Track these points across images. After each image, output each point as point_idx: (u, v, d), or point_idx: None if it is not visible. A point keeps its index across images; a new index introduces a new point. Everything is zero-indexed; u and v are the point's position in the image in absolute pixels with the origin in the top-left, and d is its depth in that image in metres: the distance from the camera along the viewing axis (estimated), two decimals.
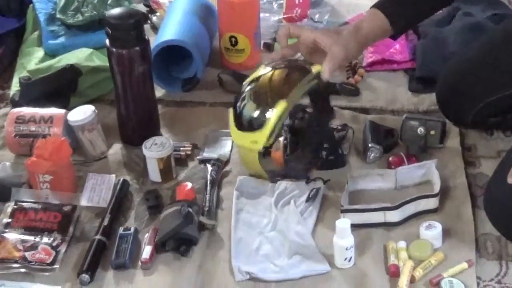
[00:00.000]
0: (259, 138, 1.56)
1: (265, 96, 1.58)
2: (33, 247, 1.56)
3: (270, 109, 1.56)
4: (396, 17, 1.66)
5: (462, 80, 1.80)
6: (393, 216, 1.57)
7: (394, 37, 1.71)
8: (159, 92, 1.99)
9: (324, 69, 1.58)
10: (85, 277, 1.49)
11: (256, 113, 1.57)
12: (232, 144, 1.81)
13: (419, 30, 2.14)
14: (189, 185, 1.68)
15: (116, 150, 1.85)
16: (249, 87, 1.62)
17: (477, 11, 2.17)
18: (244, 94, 1.61)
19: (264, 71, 1.62)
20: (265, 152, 1.74)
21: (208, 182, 1.70)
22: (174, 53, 2.02)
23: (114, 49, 1.76)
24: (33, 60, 2.13)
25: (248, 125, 1.58)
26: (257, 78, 1.62)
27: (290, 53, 1.64)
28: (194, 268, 1.52)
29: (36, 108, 1.84)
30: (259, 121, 1.57)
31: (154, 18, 2.35)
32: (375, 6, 1.67)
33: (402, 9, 1.67)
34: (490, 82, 1.76)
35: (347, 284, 1.47)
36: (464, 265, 1.48)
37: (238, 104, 1.60)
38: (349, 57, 1.64)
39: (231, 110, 1.61)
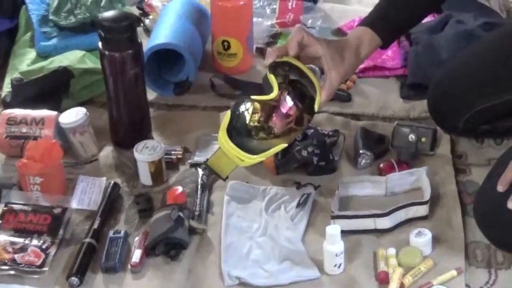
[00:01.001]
0: (247, 160, 1.51)
1: (269, 130, 1.52)
2: (23, 249, 1.55)
3: (268, 145, 1.52)
4: (388, 35, 1.68)
5: (453, 87, 1.81)
6: (383, 222, 1.58)
7: (383, 48, 1.72)
8: (151, 95, 1.99)
9: (322, 99, 1.57)
10: (75, 280, 1.49)
11: (253, 141, 1.51)
12: None
13: (411, 37, 2.15)
14: (180, 189, 1.68)
15: (107, 152, 1.85)
16: (262, 102, 1.52)
17: (469, 19, 2.18)
18: (249, 108, 1.52)
19: (283, 95, 1.53)
20: None
21: (199, 186, 1.70)
22: (166, 56, 2.02)
23: (106, 52, 1.76)
24: (25, 61, 2.13)
25: (240, 142, 1.51)
26: (275, 100, 1.52)
27: (283, 52, 1.62)
28: (183, 272, 1.52)
29: (28, 109, 1.84)
30: (253, 148, 1.51)
31: (147, 21, 2.35)
32: (368, 24, 1.66)
33: (393, 24, 1.68)
34: (481, 89, 1.76)
35: None
36: (454, 272, 1.48)
37: (244, 109, 1.52)
38: (343, 81, 1.67)
39: (228, 113, 1.53)
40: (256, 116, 1.51)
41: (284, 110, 1.52)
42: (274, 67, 1.56)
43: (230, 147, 1.51)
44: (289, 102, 1.52)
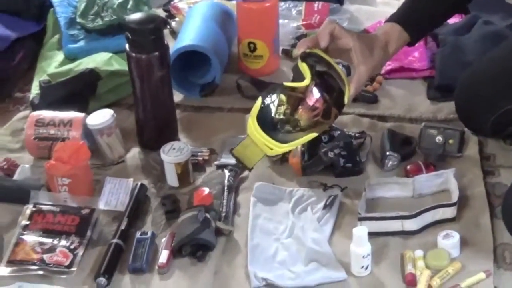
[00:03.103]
0: (276, 148, 1.50)
1: (295, 123, 1.50)
2: (51, 249, 1.56)
3: (299, 134, 1.50)
4: (416, 31, 1.68)
5: (480, 88, 1.80)
6: (411, 224, 1.57)
7: (410, 45, 1.72)
8: (177, 97, 2.00)
9: (350, 92, 1.56)
10: (102, 280, 1.50)
11: (284, 131, 1.50)
12: None
13: (439, 38, 2.14)
14: (206, 190, 1.68)
15: (134, 154, 1.86)
16: (288, 94, 1.51)
17: (497, 19, 2.17)
18: (275, 100, 1.50)
19: (310, 86, 1.51)
20: (282, 159, 1.74)
21: (226, 188, 1.70)
22: (192, 58, 2.03)
23: (133, 54, 1.77)
24: (53, 64, 2.15)
25: (270, 131, 1.49)
26: (301, 92, 1.51)
27: (314, 43, 1.60)
28: (210, 273, 1.52)
29: (56, 111, 1.86)
30: (283, 137, 1.50)
31: (173, 23, 2.36)
32: (396, 20, 1.67)
33: (421, 20, 1.69)
34: (508, 90, 1.75)
35: None
36: (482, 275, 1.47)
37: (270, 101, 1.50)
38: (371, 76, 1.66)
39: (259, 100, 1.51)
40: (282, 109, 1.50)
41: (310, 102, 1.50)
42: (304, 58, 1.55)
43: (259, 134, 1.49)
44: (316, 94, 1.50)
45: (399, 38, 1.65)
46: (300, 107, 1.50)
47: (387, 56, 1.65)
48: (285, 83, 1.52)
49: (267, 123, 1.50)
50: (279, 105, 1.50)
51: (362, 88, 1.94)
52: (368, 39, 1.62)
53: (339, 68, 1.57)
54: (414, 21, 1.67)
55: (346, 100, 1.54)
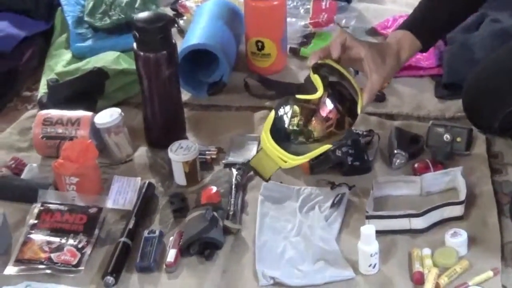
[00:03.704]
0: (290, 161, 1.51)
1: (309, 134, 1.50)
2: (59, 248, 1.57)
3: (307, 149, 1.51)
4: (428, 38, 1.69)
5: (488, 86, 1.79)
6: (418, 223, 1.57)
7: (422, 52, 1.72)
8: (185, 95, 2.00)
9: (363, 102, 1.56)
10: (110, 279, 1.50)
11: (297, 142, 1.50)
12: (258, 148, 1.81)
13: (446, 37, 2.13)
14: (214, 189, 1.69)
15: (142, 153, 1.86)
16: (301, 105, 1.51)
17: (505, 17, 2.16)
18: (288, 112, 1.51)
19: (323, 98, 1.51)
20: None
21: (233, 186, 1.70)
22: (200, 57, 2.03)
23: (141, 53, 1.77)
24: (60, 63, 2.15)
25: (284, 143, 1.50)
26: (314, 103, 1.50)
27: (325, 53, 1.62)
28: (218, 272, 1.53)
29: (64, 110, 1.86)
30: (297, 148, 1.51)
31: (181, 22, 2.36)
32: (408, 28, 1.67)
33: (433, 28, 1.69)
34: None
35: None
36: (490, 273, 1.47)
37: (283, 113, 1.51)
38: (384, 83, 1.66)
39: (272, 113, 1.52)
40: (295, 120, 1.50)
41: (323, 113, 1.50)
42: (316, 69, 1.55)
43: (273, 148, 1.50)
44: (329, 105, 1.50)
45: (411, 45, 1.66)
46: (313, 118, 1.50)
47: (399, 64, 1.65)
48: (298, 96, 1.52)
49: (280, 134, 1.50)
50: (292, 116, 1.50)
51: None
52: (380, 47, 1.63)
53: (352, 77, 1.57)
54: (426, 29, 1.67)
55: (359, 110, 1.54)
